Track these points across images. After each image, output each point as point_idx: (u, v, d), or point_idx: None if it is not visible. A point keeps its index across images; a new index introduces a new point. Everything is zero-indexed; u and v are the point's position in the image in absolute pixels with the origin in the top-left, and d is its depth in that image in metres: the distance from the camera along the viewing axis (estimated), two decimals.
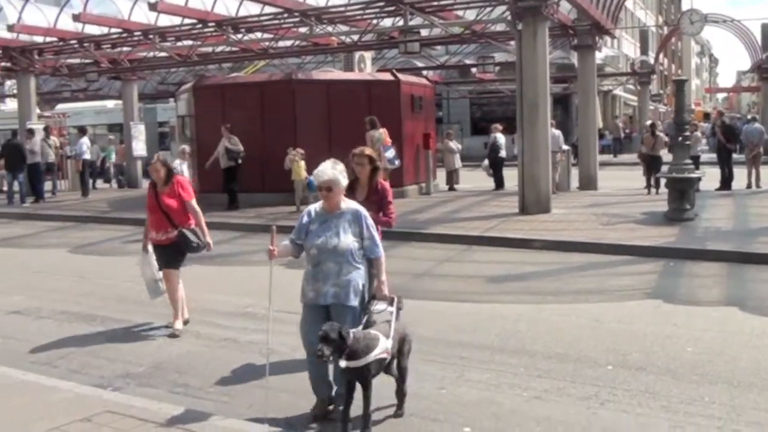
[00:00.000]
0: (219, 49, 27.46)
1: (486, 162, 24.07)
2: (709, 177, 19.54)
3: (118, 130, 34.58)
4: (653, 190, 20.68)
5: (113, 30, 25.25)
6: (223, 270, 12.98)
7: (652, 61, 47.59)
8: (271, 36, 25.10)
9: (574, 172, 23.50)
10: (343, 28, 24.23)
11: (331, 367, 5.98)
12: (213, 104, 21.41)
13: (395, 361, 5.99)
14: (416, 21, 21.37)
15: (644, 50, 50.88)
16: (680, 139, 16.24)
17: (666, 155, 20.96)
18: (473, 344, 8.08)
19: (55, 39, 26.29)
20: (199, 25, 23.50)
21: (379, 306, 5.97)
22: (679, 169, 15.86)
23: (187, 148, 18.66)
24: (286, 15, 22.25)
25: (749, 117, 32.75)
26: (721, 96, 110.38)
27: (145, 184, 28.88)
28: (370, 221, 6.13)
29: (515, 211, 17.51)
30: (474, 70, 37.81)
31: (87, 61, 27.61)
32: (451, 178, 24.54)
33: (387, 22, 23.89)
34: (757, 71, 41.79)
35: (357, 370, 5.53)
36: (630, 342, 7.94)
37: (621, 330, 8.44)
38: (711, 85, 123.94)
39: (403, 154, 20.42)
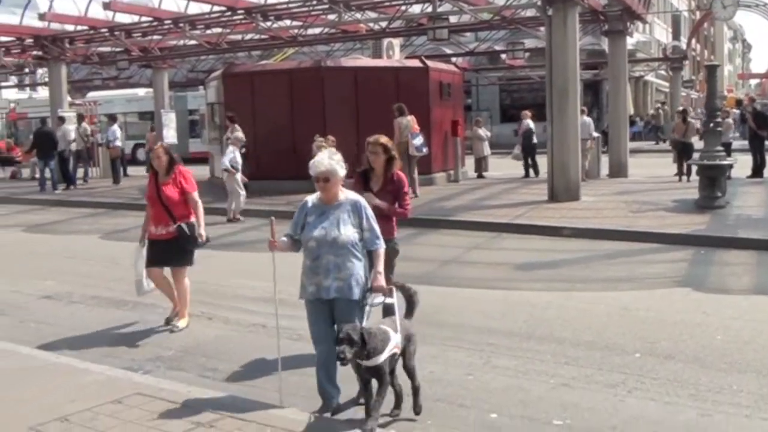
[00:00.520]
0: (248, 36, 27.58)
1: (517, 149, 23.92)
2: (741, 164, 19.33)
3: (148, 118, 34.86)
4: (684, 177, 20.49)
5: (144, 18, 25.44)
6: (251, 256, 13.04)
7: (684, 46, 47.00)
8: (300, 23, 25.12)
9: (605, 160, 23.33)
10: (372, 14, 24.20)
11: (339, 368, 5.75)
12: (242, 92, 21.48)
13: (400, 362, 5.77)
14: (445, 7, 21.30)
15: (676, 35, 50.22)
16: (711, 125, 16.08)
17: (697, 142, 20.75)
18: (501, 331, 8.08)
19: (85, 27, 26.51)
20: (229, 13, 23.60)
21: (377, 299, 5.80)
22: (711, 156, 15.70)
23: (241, 134, 18.32)
24: (314, 2, 22.26)
25: None
26: (753, 82, 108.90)
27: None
28: (370, 212, 5.92)
29: (544, 198, 17.43)
30: (503, 56, 37.56)
31: (118, 49, 27.82)
32: (480, 165, 24.43)
33: (416, 9, 23.80)
34: None
35: (375, 368, 5.38)
36: (659, 330, 7.90)
37: (650, 318, 8.40)
38: (744, 70, 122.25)
39: (431, 142, 20.36)
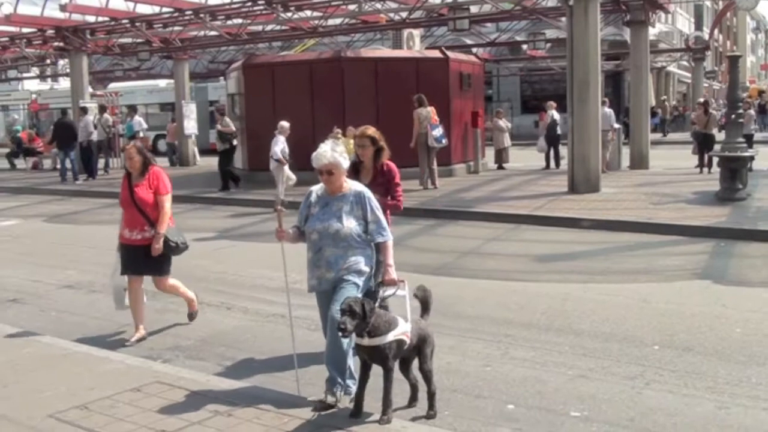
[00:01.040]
0: (269, 27, 27.61)
1: (542, 140, 23.68)
2: (763, 156, 19.16)
3: (169, 109, 35.00)
4: (705, 169, 20.35)
5: (164, 9, 25.52)
6: (271, 246, 13.00)
7: (706, 36, 46.65)
8: (320, 14, 25.14)
9: (625, 151, 23.20)
10: (392, 5, 24.17)
11: (350, 360, 5.67)
12: (262, 82, 21.54)
13: (413, 364, 5.64)
14: None
15: (698, 26, 49.96)
16: (733, 117, 15.96)
17: (719, 134, 20.61)
18: (519, 322, 8.08)
19: (107, 18, 26.65)
20: (249, 3, 23.64)
21: (388, 291, 5.62)
22: (732, 148, 15.57)
23: (285, 124, 18.11)
24: None
25: None
26: None
27: (199, 161, 29.54)
28: (375, 203, 5.81)
29: (564, 190, 17.37)
30: (524, 47, 37.44)
31: (139, 40, 27.94)
32: (500, 156, 24.37)
33: None
34: None
35: (377, 349, 5.23)
36: (677, 322, 7.87)
37: (669, 310, 8.36)
38: (766, 61, 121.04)
39: (450, 133, 20.34)
